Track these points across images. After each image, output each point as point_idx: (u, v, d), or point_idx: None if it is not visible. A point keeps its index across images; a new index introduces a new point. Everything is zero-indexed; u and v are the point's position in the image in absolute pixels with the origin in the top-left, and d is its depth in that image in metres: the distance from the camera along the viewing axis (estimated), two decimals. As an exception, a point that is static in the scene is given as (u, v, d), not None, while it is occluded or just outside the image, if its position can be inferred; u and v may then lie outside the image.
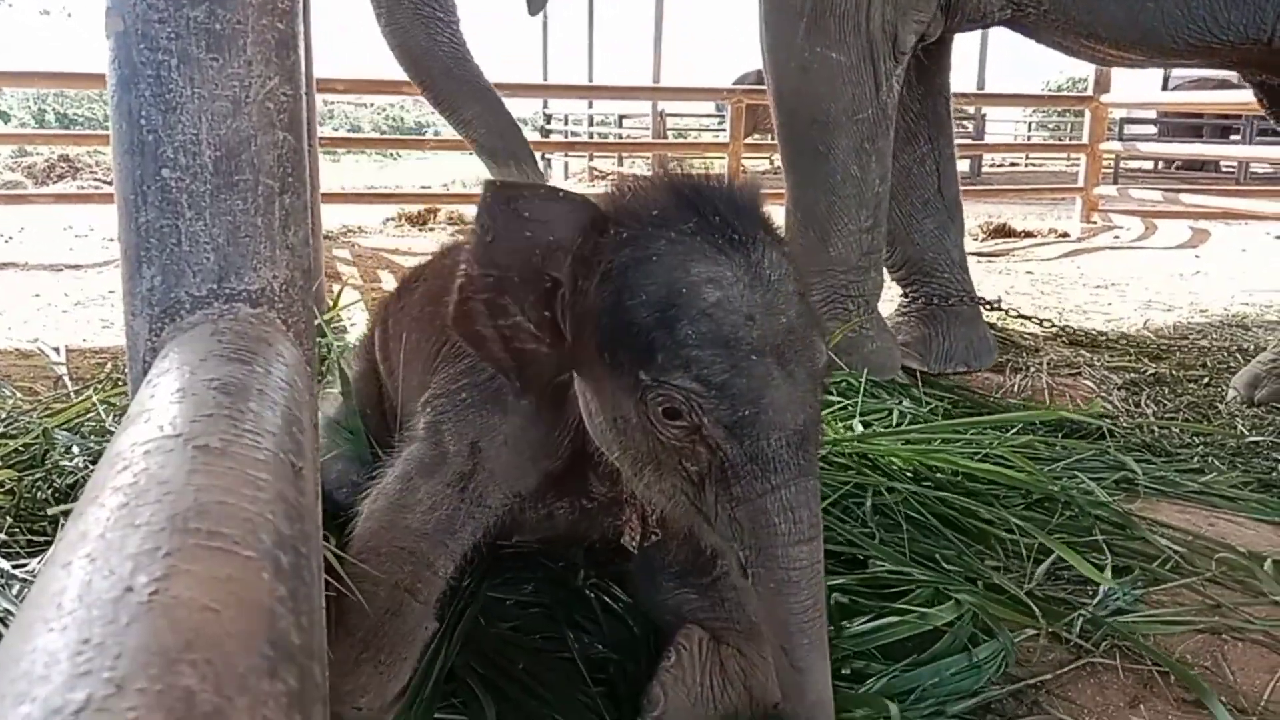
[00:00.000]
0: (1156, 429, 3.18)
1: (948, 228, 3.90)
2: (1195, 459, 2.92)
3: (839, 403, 3.03)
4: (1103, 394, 3.62)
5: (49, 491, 2.30)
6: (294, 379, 0.79)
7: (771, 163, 16.66)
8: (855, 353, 3.44)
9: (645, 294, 1.18)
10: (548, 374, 1.33)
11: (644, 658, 1.68)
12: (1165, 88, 13.43)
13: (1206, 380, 3.82)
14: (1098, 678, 1.79)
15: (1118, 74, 9.27)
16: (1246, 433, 3.16)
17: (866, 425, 2.84)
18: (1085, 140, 9.56)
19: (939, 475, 2.41)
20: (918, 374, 3.54)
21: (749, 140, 11.19)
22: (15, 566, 1.89)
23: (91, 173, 11.85)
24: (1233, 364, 4.00)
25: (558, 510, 1.63)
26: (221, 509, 0.47)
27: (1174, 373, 3.91)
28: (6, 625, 1.70)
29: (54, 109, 24.48)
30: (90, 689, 0.32)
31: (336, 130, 19.96)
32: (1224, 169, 14.53)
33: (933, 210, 3.87)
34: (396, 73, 4.86)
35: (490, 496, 1.53)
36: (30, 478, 2.31)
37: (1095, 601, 1.98)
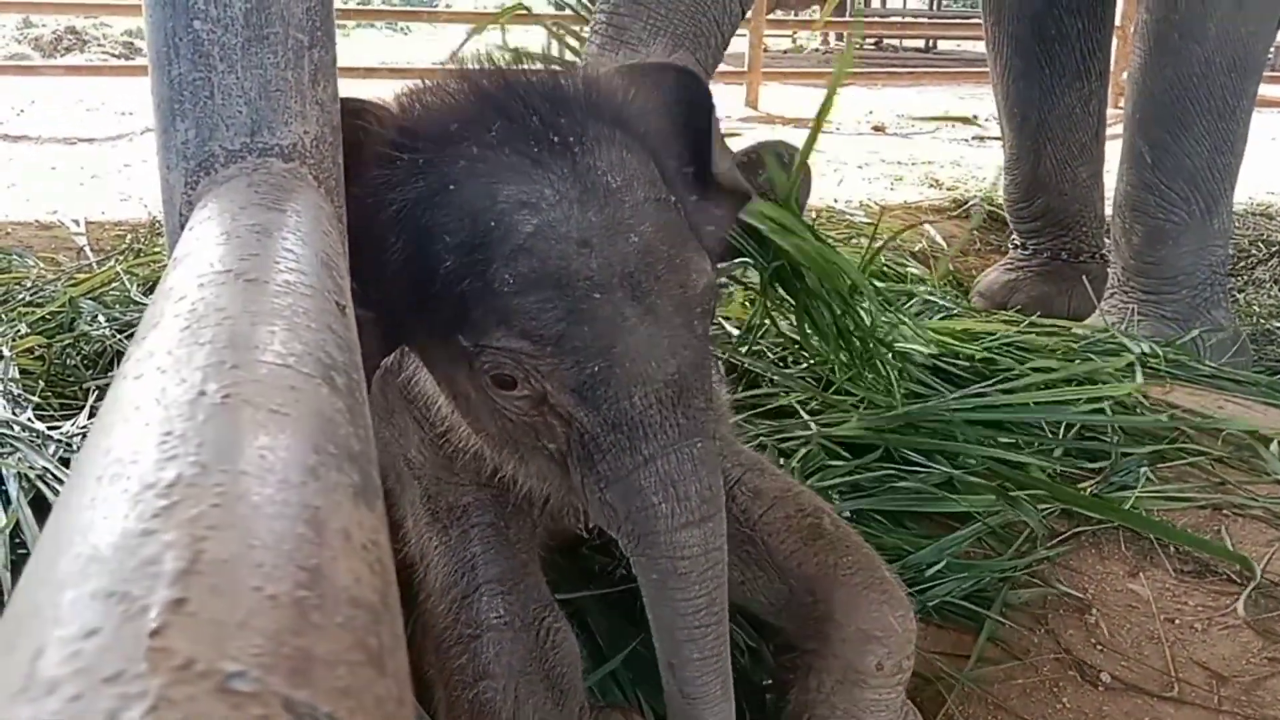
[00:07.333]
0: (1173, 315, 3.18)
1: (1098, 180, 3.47)
2: (1210, 344, 2.93)
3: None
4: (1121, 280, 3.61)
5: (78, 358, 2.36)
6: (330, 229, 0.81)
7: (794, 40, 16.19)
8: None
9: (447, 236, 0.93)
10: (372, 353, 1.04)
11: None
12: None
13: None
14: (1099, 549, 1.84)
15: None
16: (1264, 320, 3.17)
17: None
18: (1117, 21, 9.24)
19: (960, 361, 2.43)
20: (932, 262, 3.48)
21: (771, 16, 10.88)
22: (50, 428, 1.96)
23: (100, 45, 11.63)
24: (1255, 254, 3.98)
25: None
26: (278, 333, 0.50)
27: (1194, 260, 3.89)
28: (45, 484, 1.76)
29: (58, -22, 23.89)
30: (179, 469, 0.35)
31: (346, 2, 19.41)
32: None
33: (1088, 158, 3.40)
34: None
35: (458, 498, 1.26)
36: (59, 344, 2.37)
37: (1100, 476, 2.02)
